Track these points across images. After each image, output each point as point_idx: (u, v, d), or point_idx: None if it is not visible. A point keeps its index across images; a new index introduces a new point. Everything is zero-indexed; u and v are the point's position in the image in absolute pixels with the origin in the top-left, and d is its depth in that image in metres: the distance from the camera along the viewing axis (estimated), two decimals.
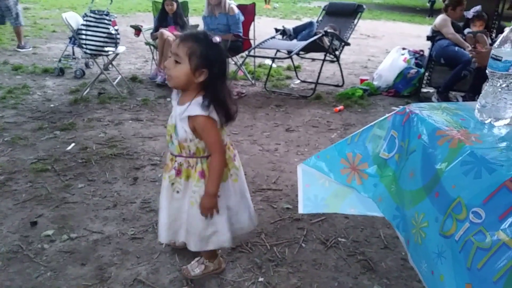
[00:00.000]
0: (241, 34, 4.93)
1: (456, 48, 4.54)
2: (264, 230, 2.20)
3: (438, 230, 1.06)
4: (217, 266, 1.86)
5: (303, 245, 2.10)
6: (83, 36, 4.41)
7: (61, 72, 5.28)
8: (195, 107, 1.46)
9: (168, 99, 4.47)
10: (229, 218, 1.68)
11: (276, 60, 5.71)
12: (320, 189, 1.51)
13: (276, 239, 2.14)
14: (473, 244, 0.94)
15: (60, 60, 5.38)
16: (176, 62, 1.46)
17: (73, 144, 3.19)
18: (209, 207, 1.58)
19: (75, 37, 4.50)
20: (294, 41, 5.31)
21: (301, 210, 1.51)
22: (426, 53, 5.14)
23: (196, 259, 1.86)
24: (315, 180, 1.52)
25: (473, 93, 4.35)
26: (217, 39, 1.45)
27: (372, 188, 1.44)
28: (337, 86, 5.39)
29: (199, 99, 1.47)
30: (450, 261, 1.01)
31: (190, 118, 1.48)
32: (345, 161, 1.48)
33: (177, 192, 1.61)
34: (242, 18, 4.96)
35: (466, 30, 4.81)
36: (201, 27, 5.17)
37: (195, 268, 1.83)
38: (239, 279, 1.83)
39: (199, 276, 1.81)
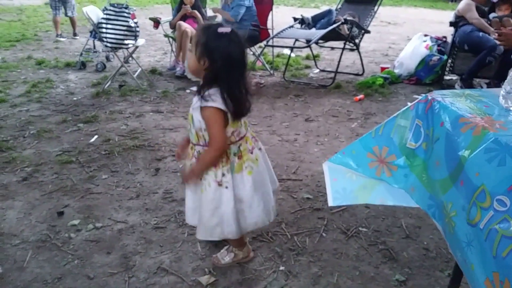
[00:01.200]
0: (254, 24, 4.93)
1: (481, 33, 4.40)
2: (284, 219, 2.21)
3: (465, 218, 1.05)
4: (246, 254, 1.88)
5: (324, 234, 2.10)
6: (104, 30, 4.47)
7: (82, 65, 5.38)
8: (207, 97, 1.48)
9: (188, 91, 4.51)
10: (240, 211, 1.65)
11: (294, 49, 5.68)
12: (348, 182, 1.50)
13: (297, 228, 2.14)
14: (497, 232, 0.93)
15: (81, 54, 5.48)
16: (189, 50, 1.54)
17: (96, 136, 3.26)
18: (185, 176, 1.63)
19: (96, 31, 4.57)
20: (313, 29, 5.26)
21: (330, 203, 1.50)
22: (449, 39, 5.01)
23: (225, 247, 1.88)
24: (342, 174, 1.52)
25: (498, 80, 4.23)
26: (224, 29, 1.45)
27: (403, 179, 1.41)
28: (357, 74, 5.32)
29: (212, 90, 1.49)
30: (478, 250, 1.00)
31: (201, 108, 1.50)
32: (371, 155, 1.46)
33: (200, 178, 1.63)
34: (247, 4, 4.90)
35: (492, 15, 4.65)
36: (219, 18, 5.17)
37: (225, 256, 1.85)
38: (260, 268, 1.85)
39: (229, 264, 1.84)
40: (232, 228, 1.65)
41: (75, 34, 7.56)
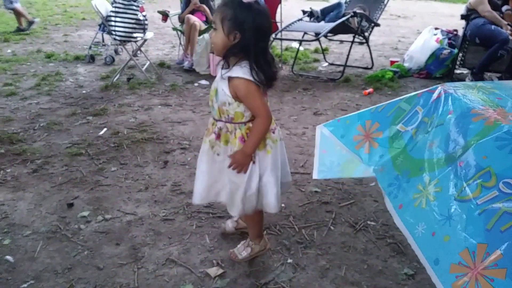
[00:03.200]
0: None
1: (493, 26, 4.34)
2: (292, 212, 2.21)
3: (453, 194, 1.06)
4: (263, 247, 1.88)
5: (332, 228, 2.10)
6: (112, 23, 4.48)
7: (91, 59, 5.40)
8: (237, 69, 1.48)
9: (196, 84, 4.51)
10: (259, 187, 1.65)
11: (303, 42, 5.65)
12: (336, 155, 1.53)
13: (305, 221, 2.14)
14: (499, 209, 0.94)
15: (90, 47, 5.50)
16: (214, 29, 1.50)
17: (105, 129, 3.27)
18: (240, 163, 1.57)
19: (105, 24, 4.58)
20: (322, 23, 5.22)
21: (315, 175, 1.51)
22: (460, 32, 4.95)
23: (242, 242, 1.88)
24: (332, 146, 1.54)
25: (510, 74, 4.18)
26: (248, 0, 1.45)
27: (377, 159, 1.45)
28: (366, 68, 5.28)
29: (242, 63, 1.48)
30: (461, 223, 1.01)
31: (230, 80, 1.49)
32: (361, 128, 1.49)
33: (217, 154, 1.62)
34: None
35: (505, 8, 4.58)
36: None
37: (242, 251, 1.84)
38: (268, 260, 1.85)
39: (246, 259, 1.84)
40: (253, 203, 1.66)
41: (19, 29, 7.09)
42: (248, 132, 1.57)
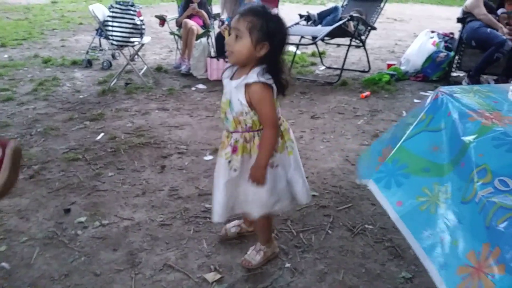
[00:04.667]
0: None
1: (489, 29, 4.35)
2: (290, 217, 2.20)
3: (460, 198, 1.07)
4: (274, 250, 1.88)
5: (330, 232, 2.09)
6: (110, 28, 4.49)
7: (89, 63, 5.40)
8: (253, 75, 1.48)
9: (193, 88, 4.51)
10: (289, 188, 1.68)
11: (300, 46, 5.65)
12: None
13: (303, 225, 2.14)
14: (495, 204, 0.94)
15: (87, 52, 5.50)
16: (237, 37, 1.47)
17: (102, 134, 3.27)
18: (258, 178, 1.57)
19: (102, 29, 4.58)
20: (319, 26, 5.24)
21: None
22: (456, 35, 4.97)
23: (251, 248, 1.86)
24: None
25: (506, 76, 4.19)
26: (275, 10, 1.46)
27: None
28: (363, 71, 5.29)
29: (257, 69, 1.49)
30: (468, 225, 1.02)
31: (247, 87, 1.49)
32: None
33: (234, 170, 1.62)
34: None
35: (500, 11, 4.61)
36: (224, 16, 5.16)
37: (255, 256, 1.82)
38: (265, 265, 1.85)
39: (260, 264, 1.82)
40: (288, 202, 1.70)
41: None
42: None
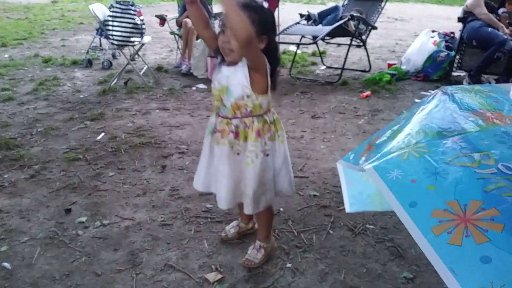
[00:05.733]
0: None
1: (489, 29, 4.35)
2: (291, 216, 2.20)
3: (443, 159, 1.02)
4: (273, 245, 1.90)
5: (331, 231, 2.09)
6: (110, 27, 4.49)
7: (89, 63, 5.40)
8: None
9: (194, 88, 4.51)
10: (274, 177, 1.69)
11: (301, 46, 5.65)
12: (364, 186, 1.48)
13: (303, 225, 2.14)
14: (498, 182, 0.91)
15: (88, 52, 5.50)
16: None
17: (102, 134, 3.27)
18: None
19: (102, 28, 4.58)
20: (319, 26, 5.23)
21: (348, 209, 1.46)
22: (457, 35, 4.96)
23: (251, 247, 1.87)
24: (357, 177, 1.50)
25: (507, 76, 4.19)
26: (265, 4, 1.50)
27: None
28: (363, 71, 5.29)
29: None
30: (452, 181, 0.96)
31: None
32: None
33: (238, 154, 1.62)
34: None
35: (501, 10, 4.61)
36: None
37: (256, 254, 1.83)
38: (267, 265, 1.84)
39: (263, 261, 1.83)
40: (272, 193, 1.70)
41: None
42: (264, 125, 1.60)
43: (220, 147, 1.64)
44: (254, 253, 1.83)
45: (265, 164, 1.63)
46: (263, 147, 1.60)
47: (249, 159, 1.60)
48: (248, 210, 1.69)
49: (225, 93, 1.57)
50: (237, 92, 1.54)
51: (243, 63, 1.51)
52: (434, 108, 1.25)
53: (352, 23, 4.98)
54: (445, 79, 4.84)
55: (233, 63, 1.54)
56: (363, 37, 5.24)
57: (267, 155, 1.62)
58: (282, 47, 6.06)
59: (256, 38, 1.44)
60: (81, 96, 4.23)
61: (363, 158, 1.40)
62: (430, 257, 0.87)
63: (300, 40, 5.18)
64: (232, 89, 1.54)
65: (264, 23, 1.47)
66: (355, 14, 4.98)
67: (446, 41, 5.08)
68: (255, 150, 1.59)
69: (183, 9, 5.26)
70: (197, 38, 5.02)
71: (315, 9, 5.82)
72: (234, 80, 1.53)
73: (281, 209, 2.24)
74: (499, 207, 0.85)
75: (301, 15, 5.50)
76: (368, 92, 4.34)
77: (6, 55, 5.87)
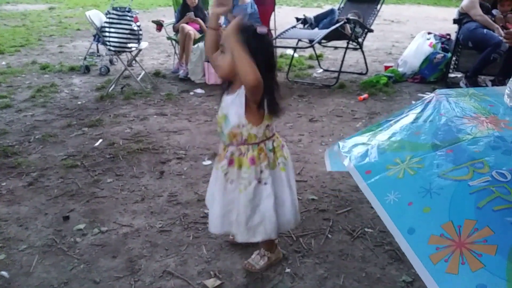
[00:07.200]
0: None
1: (485, 30, 4.36)
2: None
3: (437, 173, 1.04)
4: (278, 255, 1.88)
5: (329, 236, 2.09)
6: (107, 34, 4.49)
7: (86, 69, 5.40)
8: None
9: (191, 93, 4.51)
10: (276, 207, 1.65)
11: (297, 49, 5.66)
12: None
13: (302, 230, 2.14)
14: (493, 192, 0.93)
15: (85, 58, 5.50)
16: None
17: (100, 140, 3.27)
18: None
19: (99, 35, 4.59)
20: (316, 29, 5.24)
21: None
22: (453, 37, 4.98)
23: (256, 252, 1.86)
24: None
25: (503, 77, 4.20)
26: (262, 30, 1.47)
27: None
28: (360, 74, 5.30)
29: None
30: (447, 198, 0.98)
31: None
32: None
33: (230, 182, 1.63)
34: (249, 11, 4.85)
35: (495, 11, 4.62)
36: (222, 20, 5.17)
37: (259, 261, 1.83)
38: (265, 271, 1.84)
39: (264, 269, 1.82)
40: (274, 225, 1.65)
41: None
42: (260, 153, 1.59)
43: (218, 171, 1.67)
44: (258, 259, 1.84)
45: (260, 192, 1.61)
46: (257, 174, 1.59)
47: (242, 186, 1.61)
48: (241, 238, 1.68)
49: (224, 121, 1.59)
50: (234, 120, 1.56)
51: (242, 91, 1.51)
52: (429, 117, 1.26)
53: (348, 26, 5.00)
54: (442, 80, 4.86)
55: (233, 91, 1.56)
56: (360, 40, 5.26)
57: (265, 183, 1.61)
58: (279, 51, 6.08)
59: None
60: (79, 102, 4.23)
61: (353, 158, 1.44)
62: (430, 287, 0.91)
63: (296, 44, 5.19)
64: (230, 118, 1.57)
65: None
66: (351, 17, 5.00)
67: (442, 43, 5.10)
68: (248, 178, 1.59)
69: (179, 15, 5.28)
70: (194, 43, 5.03)
71: (311, 13, 5.83)
72: (233, 109, 1.56)
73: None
74: (492, 225, 0.87)
75: (298, 19, 5.51)
76: (365, 95, 4.35)
77: (4, 62, 5.87)
